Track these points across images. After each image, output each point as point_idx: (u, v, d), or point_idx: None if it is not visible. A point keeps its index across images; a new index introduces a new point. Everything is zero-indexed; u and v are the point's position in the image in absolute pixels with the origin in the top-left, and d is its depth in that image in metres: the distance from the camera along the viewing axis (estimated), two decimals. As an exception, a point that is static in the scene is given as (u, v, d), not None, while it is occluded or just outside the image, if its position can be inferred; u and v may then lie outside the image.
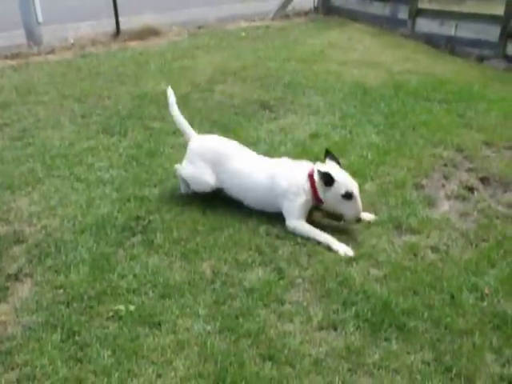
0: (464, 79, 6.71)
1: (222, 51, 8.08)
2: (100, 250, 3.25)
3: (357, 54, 8.00)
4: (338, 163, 3.56)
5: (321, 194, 3.45)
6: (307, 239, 3.35)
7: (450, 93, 6.04)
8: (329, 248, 3.28)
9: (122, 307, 2.75)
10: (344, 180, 3.40)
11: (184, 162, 3.83)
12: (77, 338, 2.58)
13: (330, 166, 3.49)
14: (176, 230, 3.42)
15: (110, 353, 2.49)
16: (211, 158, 3.75)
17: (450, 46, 8.51)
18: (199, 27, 9.85)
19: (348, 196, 3.36)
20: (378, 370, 2.43)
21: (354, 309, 2.77)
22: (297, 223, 3.45)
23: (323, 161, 3.59)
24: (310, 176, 3.48)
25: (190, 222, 3.50)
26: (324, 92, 6.10)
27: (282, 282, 2.97)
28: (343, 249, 3.25)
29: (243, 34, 9.31)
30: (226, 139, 3.94)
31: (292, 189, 3.49)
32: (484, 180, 4.21)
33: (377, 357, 2.50)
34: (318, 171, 3.40)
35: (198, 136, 3.95)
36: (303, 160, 3.71)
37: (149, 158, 4.44)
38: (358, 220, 3.45)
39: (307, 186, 3.47)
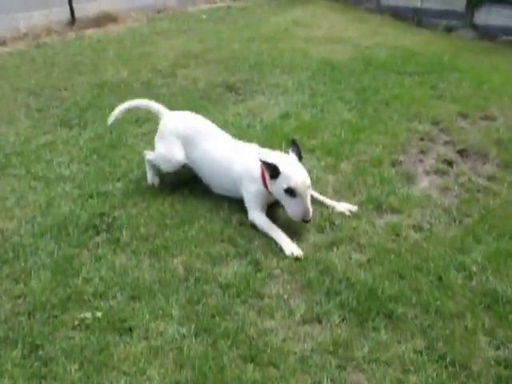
0: (433, 50, 6.58)
1: (183, 35, 7.79)
2: (62, 252, 2.99)
3: (322, 30, 7.80)
4: (300, 156, 3.25)
5: (269, 186, 3.18)
6: (283, 227, 3.15)
7: (421, 65, 5.91)
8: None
9: (88, 314, 2.52)
10: (290, 174, 3.03)
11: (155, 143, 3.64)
12: (40, 352, 2.33)
13: (283, 157, 3.22)
14: (143, 225, 3.19)
15: (77, 366, 2.26)
16: (184, 134, 3.55)
17: (416, 18, 8.39)
18: (158, 11, 9.49)
19: (291, 192, 3.03)
20: (369, 363, 2.27)
21: (338, 299, 2.60)
22: (254, 214, 3.21)
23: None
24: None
25: (157, 216, 3.27)
26: (291, 71, 5.89)
27: (259, 275, 2.77)
28: (292, 250, 2.94)
29: (204, 16, 9.01)
30: (200, 117, 3.74)
31: (246, 176, 3.28)
32: (462, 153, 4.09)
33: (366, 349, 2.33)
34: (262, 162, 3.12)
35: (171, 112, 3.76)
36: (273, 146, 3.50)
37: (111, 149, 4.17)
38: (304, 221, 3.09)
39: (259, 174, 3.24)
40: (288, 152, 3.29)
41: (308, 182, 3.07)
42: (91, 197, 3.52)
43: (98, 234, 3.16)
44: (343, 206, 3.32)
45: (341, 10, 9.19)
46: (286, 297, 2.63)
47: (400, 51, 6.49)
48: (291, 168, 3.10)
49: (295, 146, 3.29)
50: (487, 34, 7.54)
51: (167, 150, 3.54)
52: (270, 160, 3.10)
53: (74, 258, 2.94)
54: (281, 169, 3.06)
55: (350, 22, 8.27)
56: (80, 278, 2.78)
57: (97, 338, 2.38)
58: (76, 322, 2.48)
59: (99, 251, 2.99)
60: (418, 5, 8.43)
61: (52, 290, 2.70)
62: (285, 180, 3.04)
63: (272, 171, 3.08)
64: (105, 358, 2.29)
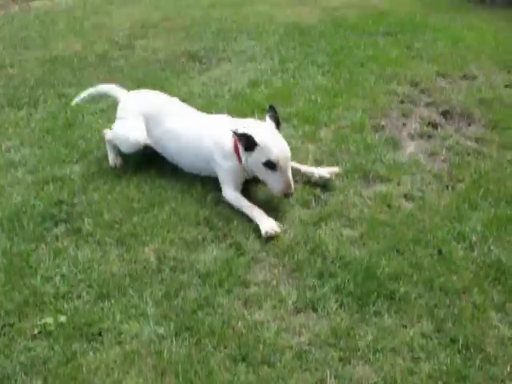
0: (404, 9, 6.33)
1: (139, 3, 7.33)
2: (16, 248, 2.63)
3: (286, -7, 7.41)
4: (278, 123, 2.93)
5: (242, 160, 2.86)
6: (264, 204, 2.85)
7: (393, 24, 5.65)
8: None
9: (50, 320, 2.18)
10: (268, 145, 2.73)
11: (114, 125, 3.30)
12: (-5, 368, 2.00)
13: (259, 125, 2.90)
14: (107, 211, 2.84)
15: (40, 382, 1.94)
16: (146, 113, 3.22)
17: (382, -23, 8.06)
18: (110, -20, 8.93)
19: (270, 166, 2.71)
20: (374, 353, 2.01)
21: (333, 281, 2.33)
22: (228, 192, 2.90)
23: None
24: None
25: (123, 200, 2.92)
26: (258, 36, 5.54)
27: (242, 260, 2.48)
28: (267, 229, 2.61)
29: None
30: (163, 94, 3.41)
31: (218, 151, 2.95)
32: (446, 114, 3.86)
33: (370, 337, 2.08)
34: (234, 133, 2.79)
35: (130, 92, 3.46)
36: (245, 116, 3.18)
37: (66, 129, 3.77)
38: (286, 195, 2.79)
39: (231, 148, 2.91)
40: (264, 119, 2.96)
41: (289, 153, 2.77)
42: (47, 183, 3.14)
43: (56, 224, 2.80)
44: (325, 171, 3.01)
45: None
46: (274, 283, 2.35)
47: (369, 11, 6.21)
48: (269, 138, 2.77)
49: (272, 111, 2.94)
50: (455, -9, 7.29)
51: (126, 130, 3.19)
52: (243, 130, 2.77)
53: (30, 255, 2.58)
54: (257, 140, 2.73)
55: (315, -18, 7.91)
56: (38, 277, 2.43)
57: (62, 347, 2.06)
58: (36, 330, 2.15)
59: (59, 244, 2.64)
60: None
61: (6, 294, 2.34)
62: (263, 152, 2.72)
63: (247, 143, 2.75)
64: (72, 369, 1.97)
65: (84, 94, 3.60)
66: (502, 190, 2.97)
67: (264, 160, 2.72)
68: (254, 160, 2.77)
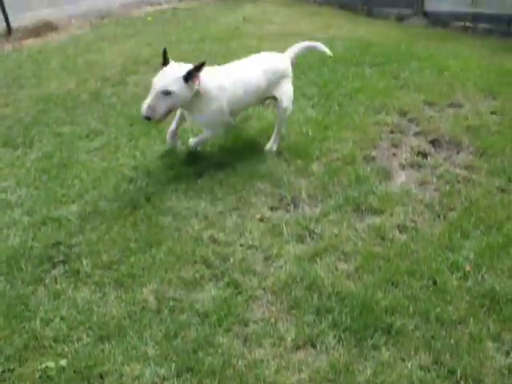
0: (389, 40, 6.44)
1: (130, 39, 7.44)
2: (15, 291, 2.64)
3: (274, 26, 7.58)
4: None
5: None
6: (259, 240, 2.89)
7: (379, 55, 5.74)
8: None
9: (51, 363, 2.20)
10: None
11: None
12: (-5, 418, 2.01)
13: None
14: (105, 252, 2.86)
15: (41, 428, 1.95)
16: None
17: (366, 9, 8.28)
18: (102, 17, 9.09)
19: None
20: (374, 388, 2.03)
21: (330, 317, 2.36)
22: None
23: None
24: None
25: (120, 240, 2.95)
26: (247, 70, 5.60)
27: (240, 298, 2.50)
28: None
29: (149, 18, 8.66)
30: None
31: None
32: (435, 142, 3.92)
33: (369, 372, 2.10)
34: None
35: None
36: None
37: (62, 169, 3.80)
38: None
39: None
40: None
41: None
42: (44, 224, 3.17)
43: (54, 266, 2.82)
44: None
45: (290, 4, 9.01)
46: (272, 321, 2.37)
47: (356, 43, 6.32)
48: None
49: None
50: (438, 20, 7.47)
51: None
52: None
53: (29, 298, 2.60)
54: None
55: (302, 16, 8.08)
56: (38, 320, 2.45)
57: (63, 392, 2.07)
58: (37, 375, 2.16)
59: (58, 286, 2.66)
60: (367, -5, 8.35)
61: (6, 339, 2.36)
62: None
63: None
64: (74, 415, 1.98)
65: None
66: (493, 217, 3.02)
67: None
68: None
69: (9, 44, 7.63)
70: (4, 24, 8.01)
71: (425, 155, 3.74)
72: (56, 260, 2.85)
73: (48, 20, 8.32)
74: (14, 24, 8.10)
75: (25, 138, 4.40)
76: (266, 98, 3.81)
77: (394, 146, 3.88)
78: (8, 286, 2.68)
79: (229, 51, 6.34)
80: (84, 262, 2.80)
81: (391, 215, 3.08)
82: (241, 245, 2.86)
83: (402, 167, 3.62)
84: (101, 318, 2.43)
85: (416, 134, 4.04)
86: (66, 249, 2.93)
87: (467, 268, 2.65)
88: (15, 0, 8.48)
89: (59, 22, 8.49)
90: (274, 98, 3.77)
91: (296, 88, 4.89)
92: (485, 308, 2.40)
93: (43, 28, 8.19)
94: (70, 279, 2.71)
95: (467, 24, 7.18)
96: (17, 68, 6.43)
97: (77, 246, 2.95)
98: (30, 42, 7.74)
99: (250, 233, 2.95)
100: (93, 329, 2.38)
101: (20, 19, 8.24)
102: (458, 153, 3.78)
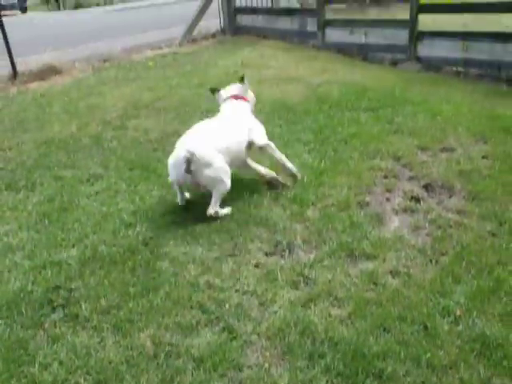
0: (383, 85, 6.62)
1: (131, 83, 7.63)
2: (15, 335, 2.69)
3: (272, 70, 7.78)
4: None
5: None
6: (254, 286, 2.96)
7: (374, 100, 5.90)
8: None
9: (48, 409, 2.24)
10: None
11: None
12: None
13: None
14: (104, 296, 2.92)
15: None
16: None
17: (362, 54, 8.51)
18: (104, 61, 9.34)
19: None
20: None
21: (322, 362, 2.40)
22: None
23: None
24: None
25: (119, 285, 3.01)
26: (245, 114, 5.75)
27: (235, 343, 2.54)
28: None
29: (151, 63, 8.89)
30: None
31: None
32: (427, 187, 4.01)
33: (360, 418, 2.14)
34: None
35: None
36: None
37: (63, 213, 3.90)
38: None
39: None
40: None
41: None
42: (44, 268, 3.24)
43: (54, 310, 2.87)
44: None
45: (288, 49, 9.25)
46: (266, 366, 2.41)
47: (351, 87, 6.49)
48: None
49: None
50: (431, 65, 7.68)
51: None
52: None
53: (28, 341, 2.64)
54: None
55: (299, 60, 8.31)
56: (36, 364, 2.49)
57: None
58: (34, 421, 2.20)
59: (57, 331, 2.71)
60: (363, 40, 8.58)
61: (4, 382, 2.40)
62: None
63: None
64: None
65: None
66: (484, 261, 3.08)
67: None
68: None
69: (14, 87, 7.83)
70: (10, 68, 8.22)
71: (418, 200, 3.83)
72: (56, 304, 2.90)
73: (52, 64, 8.54)
74: (19, 67, 8.33)
75: (27, 181, 4.51)
76: None
77: (388, 190, 3.97)
78: (8, 330, 2.73)
79: (227, 96, 6.51)
80: (83, 307, 2.85)
81: (384, 260, 3.15)
82: (236, 290, 2.92)
83: (395, 212, 3.70)
84: (99, 363, 2.47)
85: (409, 179, 4.14)
86: (66, 293, 2.99)
87: (458, 312, 2.70)
88: (21, 44, 8.77)
89: (63, 66, 8.72)
90: None
91: (292, 133, 5.09)
92: (475, 352, 2.44)
93: (47, 71, 8.40)
94: (69, 323, 2.76)
95: (459, 69, 7.39)
96: (21, 111, 6.60)
97: (76, 290, 3.00)
98: (34, 85, 7.94)
99: (246, 278, 3.01)
100: (90, 373, 2.42)
101: (25, 63, 8.47)
102: (450, 197, 3.87)
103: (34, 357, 2.55)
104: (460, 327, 2.60)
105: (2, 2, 23.93)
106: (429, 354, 2.43)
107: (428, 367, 2.37)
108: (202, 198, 3.85)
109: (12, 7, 28.28)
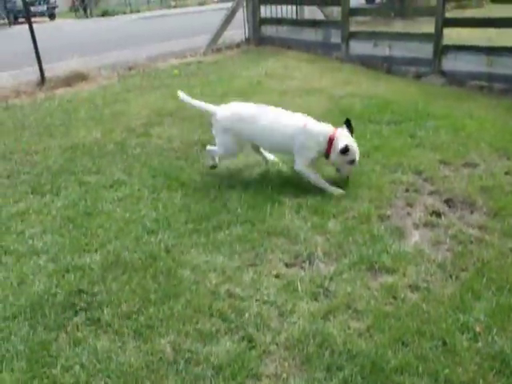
0: (407, 98, 6.61)
1: (156, 91, 7.73)
2: (38, 337, 2.76)
3: (295, 81, 7.82)
4: (352, 131, 4.31)
5: (332, 157, 4.22)
6: (274, 296, 2.98)
7: (397, 113, 5.90)
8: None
9: (69, 410, 2.29)
10: (354, 151, 4.18)
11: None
12: None
13: (348, 136, 4.23)
14: (125, 301, 2.97)
15: None
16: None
17: (386, 66, 8.52)
18: (129, 68, 9.49)
19: (352, 162, 4.20)
20: None
21: (340, 375, 2.41)
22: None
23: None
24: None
25: (140, 291, 3.06)
26: (268, 125, 5.79)
27: (254, 353, 2.57)
28: (336, 190, 4.15)
29: (176, 71, 9.00)
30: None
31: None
32: (449, 202, 4.00)
33: (377, 432, 2.14)
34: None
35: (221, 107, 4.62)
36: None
37: (86, 218, 3.97)
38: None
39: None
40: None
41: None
42: (67, 271, 3.30)
43: (76, 313, 2.93)
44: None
45: (312, 60, 9.29)
46: (284, 376, 2.44)
47: (374, 100, 6.50)
48: (354, 145, 4.28)
49: (347, 123, 4.37)
50: (455, 79, 7.65)
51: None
52: (343, 142, 4.21)
53: (51, 343, 2.70)
54: (350, 147, 4.21)
55: (323, 71, 8.34)
56: (58, 366, 2.55)
57: None
58: (55, 422, 2.25)
59: (79, 334, 2.76)
60: (387, 53, 8.59)
61: (27, 383, 2.45)
62: (350, 155, 4.24)
63: (345, 150, 4.20)
64: None
65: (189, 100, 4.69)
66: (505, 278, 3.07)
67: (349, 159, 4.15)
68: (342, 158, 4.15)
69: (42, 93, 7.99)
70: (38, 74, 8.40)
71: (439, 215, 3.82)
72: (78, 308, 2.96)
73: (79, 70, 8.70)
74: (47, 73, 8.50)
75: (52, 185, 4.59)
76: None
77: (409, 205, 3.97)
78: (32, 332, 2.79)
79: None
80: (105, 311, 2.90)
81: (404, 275, 3.15)
82: (256, 300, 2.95)
83: (416, 226, 3.70)
84: (119, 367, 2.52)
85: (431, 194, 4.14)
86: (88, 297, 3.04)
87: (477, 329, 2.69)
88: (49, 50, 8.95)
89: (89, 73, 8.87)
90: None
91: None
92: (494, 370, 2.43)
93: (74, 78, 8.57)
94: (90, 327, 2.81)
95: (483, 83, 7.35)
96: (48, 116, 6.73)
97: (98, 294, 3.06)
98: (61, 91, 8.10)
99: (266, 288, 3.04)
100: (111, 377, 2.47)
101: (53, 69, 8.65)
102: (471, 213, 3.85)
103: (56, 358, 2.60)
104: (479, 344, 2.59)
105: (32, 10, 24.41)
106: (447, 370, 2.43)
107: (446, 383, 2.37)
108: (222, 207, 3.91)
109: (41, 14, 29.00)
